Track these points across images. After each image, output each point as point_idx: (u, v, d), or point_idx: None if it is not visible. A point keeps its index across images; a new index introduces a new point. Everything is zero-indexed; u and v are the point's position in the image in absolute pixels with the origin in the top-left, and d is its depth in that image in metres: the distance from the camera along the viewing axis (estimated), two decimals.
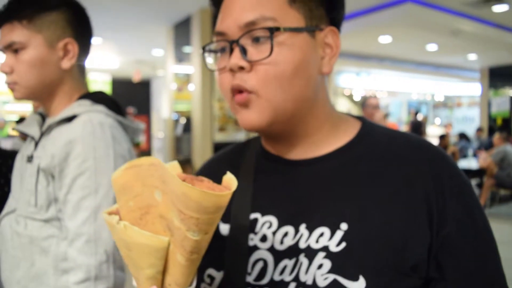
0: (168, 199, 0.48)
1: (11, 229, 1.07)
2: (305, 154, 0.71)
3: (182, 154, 6.28)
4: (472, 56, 10.27)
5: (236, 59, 0.62)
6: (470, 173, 7.40)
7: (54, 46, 1.09)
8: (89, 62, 1.22)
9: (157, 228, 0.50)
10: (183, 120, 7.09)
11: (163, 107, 8.55)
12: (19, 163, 1.16)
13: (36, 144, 1.11)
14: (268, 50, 0.61)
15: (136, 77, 10.65)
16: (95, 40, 8.07)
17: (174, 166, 0.51)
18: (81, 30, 1.15)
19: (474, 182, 8.09)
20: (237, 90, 0.64)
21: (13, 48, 1.07)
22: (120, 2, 5.78)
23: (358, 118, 0.76)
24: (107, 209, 0.55)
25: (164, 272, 0.51)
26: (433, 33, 7.33)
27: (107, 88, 12.39)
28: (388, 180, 0.64)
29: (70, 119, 1.08)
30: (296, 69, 0.63)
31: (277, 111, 0.64)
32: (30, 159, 1.09)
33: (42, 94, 1.12)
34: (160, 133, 8.21)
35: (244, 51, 0.63)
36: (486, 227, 0.64)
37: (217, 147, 6.07)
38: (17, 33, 1.06)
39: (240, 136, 6.34)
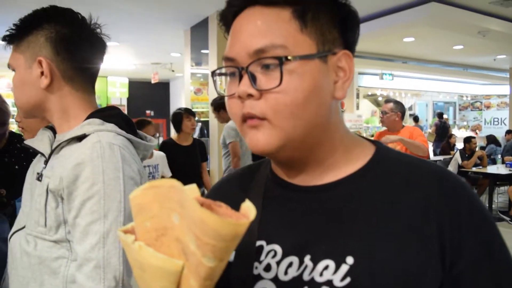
0: (185, 223, 0.47)
1: (20, 248, 1.06)
2: (316, 180, 0.68)
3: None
4: (501, 56, 9.91)
5: (245, 86, 0.61)
6: (499, 179, 7.12)
7: (31, 66, 1.09)
8: (104, 65, 1.20)
9: (172, 251, 0.49)
10: (200, 123, 7.04)
11: None
12: (30, 178, 1.15)
13: (46, 161, 1.09)
14: (278, 78, 0.59)
15: (154, 79, 10.69)
16: (110, 44, 8.25)
17: (193, 189, 0.49)
18: (67, 47, 1.10)
19: (503, 188, 7.82)
20: (248, 117, 0.63)
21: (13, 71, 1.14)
22: (137, 6, 5.81)
23: (373, 142, 0.73)
24: (122, 227, 0.54)
25: None
26: (459, 33, 7.10)
27: (124, 90, 12.50)
28: (401, 212, 0.61)
29: (80, 138, 1.06)
30: (307, 97, 0.61)
31: (288, 137, 0.62)
32: (39, 177, 1.07)
33: (36, 114, 1.14)
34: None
35: (253, 79, 0.61)
36: (508, 267, 0.60)
37: None
38: (11, 56, 1.12)
39: None
